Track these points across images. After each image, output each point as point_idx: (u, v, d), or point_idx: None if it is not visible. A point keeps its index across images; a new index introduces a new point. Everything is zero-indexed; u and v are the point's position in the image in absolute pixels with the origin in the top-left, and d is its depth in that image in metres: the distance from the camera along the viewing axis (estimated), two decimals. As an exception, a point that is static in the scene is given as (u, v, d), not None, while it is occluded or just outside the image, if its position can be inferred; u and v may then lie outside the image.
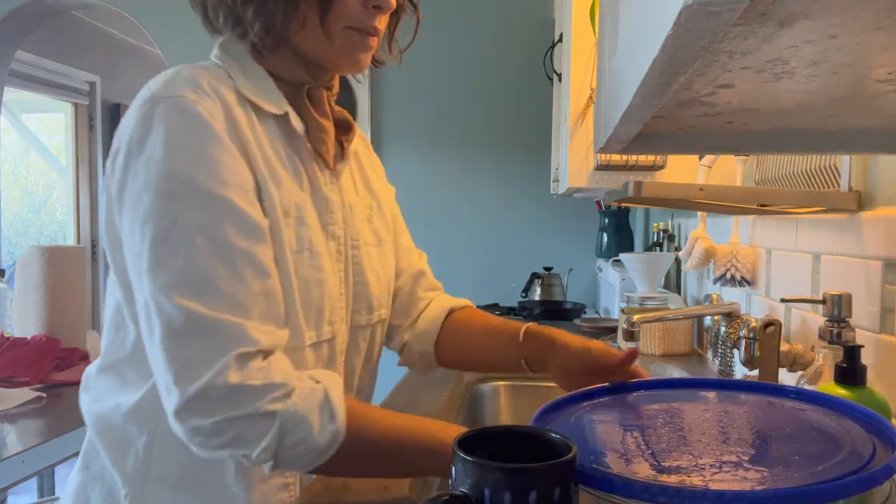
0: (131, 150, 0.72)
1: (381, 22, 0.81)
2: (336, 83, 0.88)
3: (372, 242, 0.92)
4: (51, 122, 5.66)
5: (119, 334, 0.80)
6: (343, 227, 0.86)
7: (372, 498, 0.84)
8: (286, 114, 0.81)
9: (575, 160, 1.72)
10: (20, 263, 1.80)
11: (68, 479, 0.87)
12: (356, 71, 0.83)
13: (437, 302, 1.03)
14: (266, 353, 0.71)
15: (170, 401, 0.68)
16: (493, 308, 2.78)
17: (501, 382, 1.58)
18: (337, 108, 0.90)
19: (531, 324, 0.95)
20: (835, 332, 0.86)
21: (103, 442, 0.81)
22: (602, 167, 1.62)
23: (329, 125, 0.85)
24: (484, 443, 0.55)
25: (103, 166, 5.04)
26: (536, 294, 2.94)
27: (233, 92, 0.77)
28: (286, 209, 0.78)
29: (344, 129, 0.89)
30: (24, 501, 2.98)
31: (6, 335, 1.75)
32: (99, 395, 0.82)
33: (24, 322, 1.78)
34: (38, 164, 5.73)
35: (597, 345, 0.89)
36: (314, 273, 0.80)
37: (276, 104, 0.80)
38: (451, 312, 1.01)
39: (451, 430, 0.75)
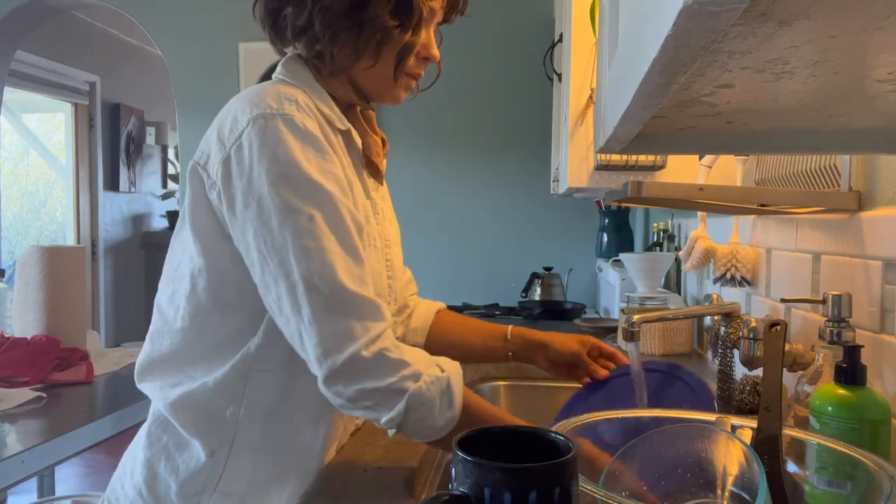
0: (252, 158, 0.81)
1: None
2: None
3: (395, 243, 1.05)
4: (51, 122, 5.66)
5: (198, 321, 0.88)
6: (381, 228, 0.99)
7: (372, 498, 0.85)
8: (349, 129, 0.93)
9: (575, 160, 1.72)
10: (20, 263, 1.80)
11: (123, 461, 0.95)
12: (394, 104, 1.00)
13: (423, 303, 1.19)
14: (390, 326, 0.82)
15: (320, 370, 0.79)
16: (493, 308, 2.78)
17: (501, 382, 1.58)
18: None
19: (513, 326, 1.16)
20: (835, 332, 0.87)
21: (184, 418, 0.89)
22: (602, 167, 1.62)
23: (379, 140, 1.01)
24: (484, 443, 0.55)
25: (103, 166, 5.00)
26: (536, 294, 2.93)
27: (315, 109, 0.88)
28: (360, 209, 0.90)
29: (383, 144, 1.03)
30: (24, 501, 2.98)
31: (6, 335, 1.75)
32: (177, 379, 0.90)
33: (24, 322, 1.78)
34: (38, 164, 5.73)
35: (581, 352, 1.11)
36: (377, 264, 0.94)
37: (340, 121, 0.92)
38: (436, 312, 1.19)
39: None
